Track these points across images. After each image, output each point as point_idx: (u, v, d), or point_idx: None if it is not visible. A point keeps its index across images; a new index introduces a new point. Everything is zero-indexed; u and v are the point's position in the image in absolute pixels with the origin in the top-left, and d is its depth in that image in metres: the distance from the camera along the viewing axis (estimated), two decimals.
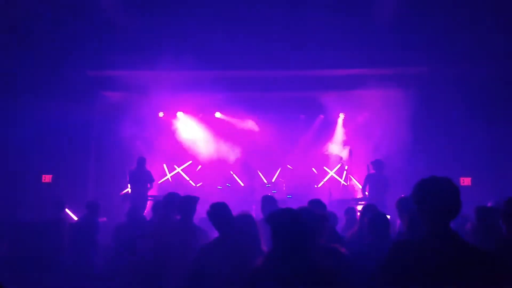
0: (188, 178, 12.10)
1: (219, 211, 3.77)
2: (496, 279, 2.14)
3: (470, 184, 9.19)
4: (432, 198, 2.27)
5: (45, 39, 8.65)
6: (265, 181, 11.64)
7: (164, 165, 12.20)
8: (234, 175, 11.84)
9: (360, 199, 9.40)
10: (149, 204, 9.92)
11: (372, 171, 9.07)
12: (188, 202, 4.55)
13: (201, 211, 5.74)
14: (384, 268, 2.32)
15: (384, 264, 2.32)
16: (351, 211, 6.31)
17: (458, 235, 2.24)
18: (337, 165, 11.83)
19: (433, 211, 2.26)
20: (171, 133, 12.13)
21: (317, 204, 3.79)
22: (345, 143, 11.98)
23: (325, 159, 11.93)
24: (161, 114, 12.16)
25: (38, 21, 8.40)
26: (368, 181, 9.04)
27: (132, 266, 4.81)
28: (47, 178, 10.02)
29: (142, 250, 4.71)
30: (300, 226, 2.62)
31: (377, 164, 8.98)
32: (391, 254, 2.31)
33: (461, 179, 9.08)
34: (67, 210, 8.06)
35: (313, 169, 11.81)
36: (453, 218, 2.26)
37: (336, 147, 11.94)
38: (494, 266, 2.17)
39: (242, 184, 11.36)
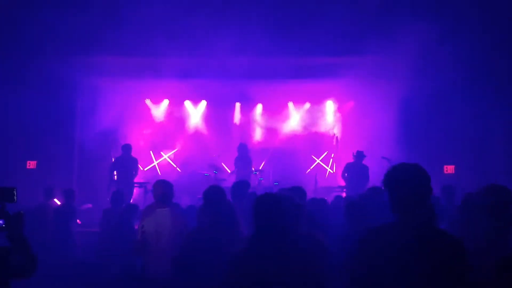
0: (175, 165, 12.06)
1: (211, 196, 3.74)
2: (466, 264, 2.19)
3: (453, 172, 9.32)
4: (402, 185, 2.30)
5: (28, 25, 8.46)
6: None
7: (151, 152, 12.12)
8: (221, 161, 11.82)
9: (345, 186, 9.57)
10: (135, 191, 9.90)
11: (352, 160, 9.40)
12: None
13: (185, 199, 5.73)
14: (356, 254, 2.37)
15: (356, 250, 2.37)
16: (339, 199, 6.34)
17: (429, 222, 2.28)
18: (330, 148, 11.92)
19: (403, 198, 2.30)
20: (157, 120, 12.09)
21: (297, 191, 3.79)
22: (331, 131, 12.04)
23: (315, 144, 12.00)
24: (147, 101, 12.07)
25: (18, 7, 8.27)
26: (347, 169, 9.40)
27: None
28: (31, 164, 9.90)
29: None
30: (281, 211, 2.65)
31: (357, 154, 9.35)
32: (363, 241, 2.37)
33: (445, 167, 9.21)
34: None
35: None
36: (424, 204, 2.29)
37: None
38: (464, 251, 2.20)
39: (229, 171, 11.28)
